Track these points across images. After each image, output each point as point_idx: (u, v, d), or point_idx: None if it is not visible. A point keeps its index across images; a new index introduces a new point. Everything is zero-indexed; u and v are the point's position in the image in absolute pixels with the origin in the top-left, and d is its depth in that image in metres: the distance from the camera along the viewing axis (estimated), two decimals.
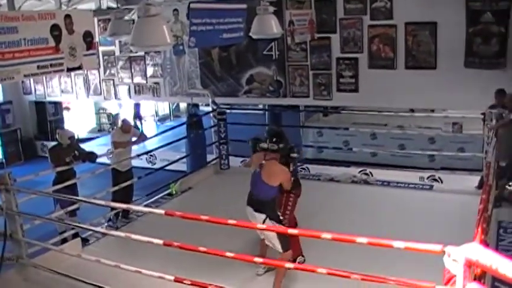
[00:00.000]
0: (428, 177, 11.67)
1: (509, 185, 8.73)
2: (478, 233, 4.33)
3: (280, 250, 6.13)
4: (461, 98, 11.11)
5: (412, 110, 13.25)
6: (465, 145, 13.38)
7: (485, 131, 9.20)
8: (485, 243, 5.02)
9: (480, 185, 8.42)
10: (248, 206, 6.27)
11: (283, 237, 6.03)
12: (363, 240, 3.86)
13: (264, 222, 6.09)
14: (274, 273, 6.12)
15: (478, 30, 10.83)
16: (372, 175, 12.46)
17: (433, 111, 13.83)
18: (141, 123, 22.40)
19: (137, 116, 22.38)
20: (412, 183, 10.13)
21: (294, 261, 6.36)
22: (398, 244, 3.65)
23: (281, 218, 6.44)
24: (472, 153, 11.46)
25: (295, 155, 6.93)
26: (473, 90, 10.76)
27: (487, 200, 5.53)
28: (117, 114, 22.46)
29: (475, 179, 9.46)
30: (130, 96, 16.25)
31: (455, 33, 11.08)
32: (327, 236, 4.06)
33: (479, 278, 3.72)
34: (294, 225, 6.78)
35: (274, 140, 6.35)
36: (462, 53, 11.08)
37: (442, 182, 11.38)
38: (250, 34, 9.56)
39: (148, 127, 22.26)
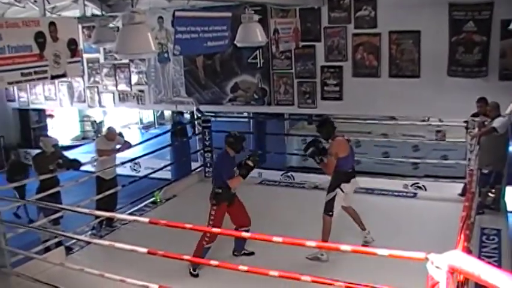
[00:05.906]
0: (412, 185, 11.68)
1: (492, 192, 8.80)
2: (461, 240, 4.35)
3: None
4: (445, 106, 11.20)
5: (393, 118, 13.31)
6: (448, 153, 13.42)
7: (468, 139, 9.25)
8: (468, 250, 5.07)
9: (463, 192, 8.47)
10: (353, 178, 7.75)
11: None
12: (347, 248, 3.88)
13: None
14: None
15: (461, 39, 10.92)
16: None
17: (424, 120, 13.83)
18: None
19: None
20: (396, 191, 10.18)
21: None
22: (382, 252, 3.66)
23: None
24: (455, 160, 11.52)
25: (250, 163, 7.02)
26: (456, 99, 10.84)
27: (469, 207, 5.57)
28: (101, 122, 22.30)
29: (458, 187, 9.52)
30: (114, 104, 16.18)
31: (438, 42, 11.16)
32: (311, 244, 4.08)
33: (462, 284, 3.76)
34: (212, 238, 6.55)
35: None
36: (445, 61, 11.16)
37: (425, 190, 11.39)
38: (235, 42, 9.58)
39: (133, 135, 22.08)
